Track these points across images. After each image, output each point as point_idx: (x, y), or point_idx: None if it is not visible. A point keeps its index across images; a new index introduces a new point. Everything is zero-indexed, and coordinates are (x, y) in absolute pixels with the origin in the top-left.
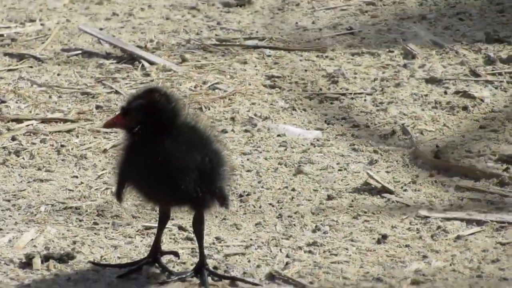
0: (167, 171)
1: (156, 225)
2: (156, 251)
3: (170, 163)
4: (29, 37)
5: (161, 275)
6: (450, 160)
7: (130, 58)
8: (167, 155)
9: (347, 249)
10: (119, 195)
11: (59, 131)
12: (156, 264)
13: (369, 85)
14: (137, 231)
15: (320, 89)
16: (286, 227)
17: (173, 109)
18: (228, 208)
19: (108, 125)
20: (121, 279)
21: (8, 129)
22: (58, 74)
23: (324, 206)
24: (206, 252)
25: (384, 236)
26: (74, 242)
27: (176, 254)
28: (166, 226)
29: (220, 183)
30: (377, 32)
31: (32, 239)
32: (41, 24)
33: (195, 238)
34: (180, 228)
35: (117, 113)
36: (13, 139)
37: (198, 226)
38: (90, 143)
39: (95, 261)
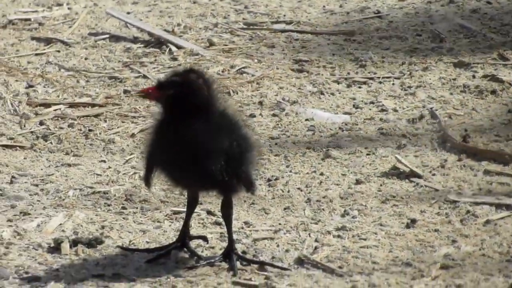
0: (195, 155)
1: (185, 209)
2: (184, 236)
3: (198, 147)
4: (56, 21)
5: (189, 259)
6: (478, 144)
7: (158, 42)
8: (195, 139)
9: (376, 233)
10: (147, 180)
11: (87, 116)
12: (185, 249)
13: (397, 69)
14: (166, 216)
15: (348, 73)
16: (314, 212)
17: (208, 93)
18: (255, 194)
19: (141, 92)
20: (150, 263)
21: (36, 114)
22: (86, 59)
23: (352, 191)
24: (234, 236)
25: (413, 221)
26: (103, 227)
27: (204, 238)
28: (195, 210)
29: (246, 168)
30: (404, 15)
31: (60, 224)
32: (68, 8)
33: (223, 223)
34: (209, 212)
35: (153, 84)
36: (41, 123)
37: (227, 211)
38: (118, 127)
39: (124, 246)
